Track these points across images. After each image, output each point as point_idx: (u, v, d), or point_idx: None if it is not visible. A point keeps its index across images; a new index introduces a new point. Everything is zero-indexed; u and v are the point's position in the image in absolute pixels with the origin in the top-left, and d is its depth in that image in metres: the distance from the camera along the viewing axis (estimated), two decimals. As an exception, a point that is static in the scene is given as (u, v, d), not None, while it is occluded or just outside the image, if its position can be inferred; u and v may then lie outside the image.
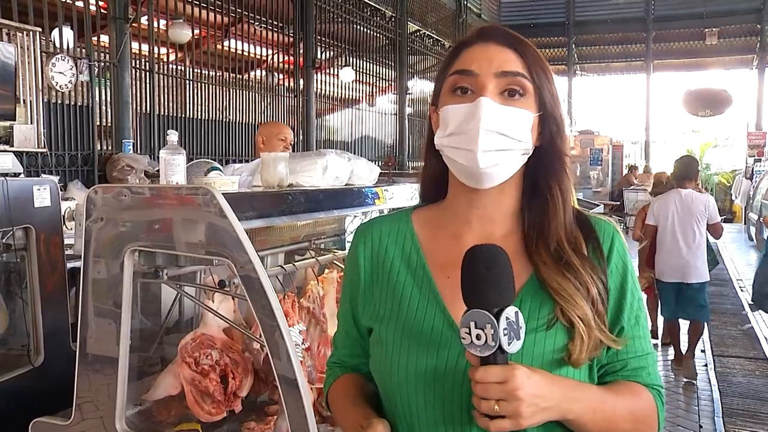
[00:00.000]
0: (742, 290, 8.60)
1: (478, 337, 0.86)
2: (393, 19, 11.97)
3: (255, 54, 9.03)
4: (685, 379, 5.08)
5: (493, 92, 0.98)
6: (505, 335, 0.86)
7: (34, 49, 5.17)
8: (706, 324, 5.36)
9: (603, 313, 0.99)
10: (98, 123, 6.32)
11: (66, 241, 2.86)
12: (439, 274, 1.04)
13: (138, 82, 6.85)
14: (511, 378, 0.85)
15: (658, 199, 5.35)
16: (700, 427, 4.23)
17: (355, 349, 1.15)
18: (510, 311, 0.87)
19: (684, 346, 5.33)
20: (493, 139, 0.96)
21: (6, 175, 2.59)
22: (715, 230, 5.17)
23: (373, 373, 1.08)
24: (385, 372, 1.02)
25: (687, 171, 5.19)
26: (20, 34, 5.11)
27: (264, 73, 9.47)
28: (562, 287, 0.97)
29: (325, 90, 10.36)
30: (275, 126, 4.03)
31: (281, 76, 9.71)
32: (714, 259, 5.84)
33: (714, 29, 16.18)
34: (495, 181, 1.00)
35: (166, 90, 7.32)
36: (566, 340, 0.97)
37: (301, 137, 9.50)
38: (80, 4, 6.16)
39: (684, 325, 5.40)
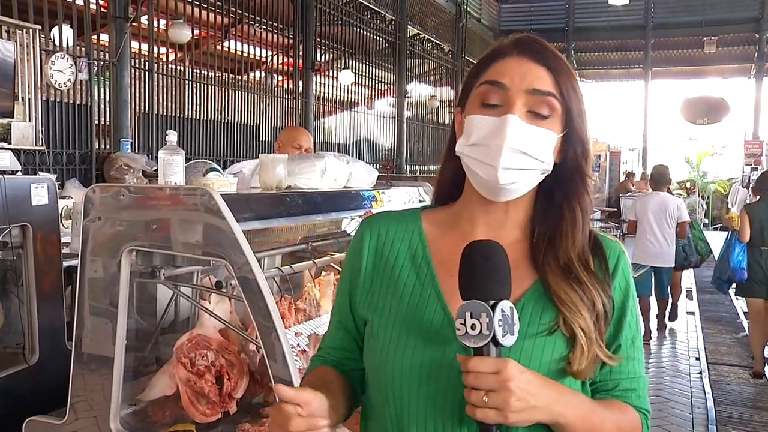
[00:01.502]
0: (737, 298, 8.61)
1: (473, 326, 0.87)
2: (393, 23, 11.99)
3: (254, 55, 9.03)
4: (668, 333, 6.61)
5: (521, 109, 0.98)
6: (500, 326, 0.87)
7: (33, 47, 5.16)
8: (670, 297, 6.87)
9: (603, 331, 1.00)
10: (97, 122, 6.31)
11: (63, 240, 2.86)
12: (442, 270, 1.05)
13: (137, 82, 6.84)
14: (504, 369, 0.86)
15: (638, 200, 6.66)
16: (694, 434, 4.24)
17: (344, 341, 1.12)
18: (505, 304, 0.88)
19: (654, 322, 6.78)
20: (516, 158, 0.97)
21: (4, 172, 2.59)
22: (682, 228, 6.29)
23: (367, 367, 1.07)
24: (379, 364, 1.02)
25: (662, 178, 6.43)
26: (20, 32, 5.10)
27: (263, 74, 9.47)
28: (569, 297, 0.98)
29: (324, 92, 10.36)
30: (292, 132, 3.89)
31: (280, 78, 9.71)
32: (708, 250, 7.03)
33: (713, 38, 16.23)
34: (511, 196, 1.02)
35: (165, 90, 7.31)
36: (565, 350, 0.97)
37: (299, 139, 9.49)
38: (80, 2, 6.15)
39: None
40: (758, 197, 5.59)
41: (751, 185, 13.65)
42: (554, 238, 1.03)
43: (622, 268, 1.05)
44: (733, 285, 5.79)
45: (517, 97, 0.98)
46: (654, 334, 6.68)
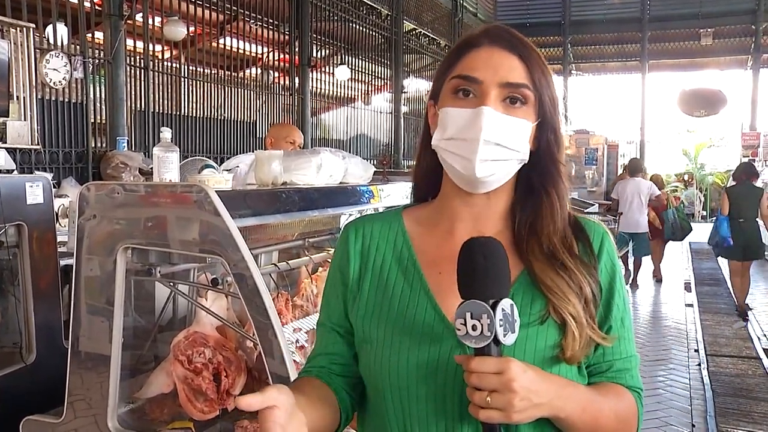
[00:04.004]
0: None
1: (473, 327, 0.85)
2: (389, 18, 11.96)
3: (250, 52, 9.01)
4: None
5: (495, 100, 0.98)
6: (501, 326, 0.86)
7: (27, 46, 5.14)
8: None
9: (594, 313, 1.00)
10: (92, 120, 6.30)
11: (60, 239, 2.85)
12: (430, 269, 1.04)
13: (133, 80, 6.82)
14: (507, 369, 0.85)
15: (619, 184, 8.82)
16: (693, 426, 4.24)
17: (337, 346, 1.09)
18: (506, 303, 0.87)
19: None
20: (492, 150, 0.97)
21: (-1, 171, 2.58)
22: (659, 199, 8.59)
23: (362, 372, 1.06)
24: (375, 368, 1.01)
25: (636, 167, 8.85)
26: (14, 30, 5.08)
27: (259, 71, 9.45)
28: (556, 284, 0.98)
29: (321, 88, 10.34)
30: (284, 128, 3.95)
31: (277, 74, 9.69)
32: (690, 228, 8.91)
33: (709, 30, 16.21)
34: (490, 188, 1.02)
35: (161, 87, 7.29)
36: (558, 337, 0.97)
37: (296, 135, 9.48)
38: (74, 0, 6.13)
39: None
40: (735, 182, 7.46)
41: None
42: (535, 225, 1.03)
43: (607, 250, 1.05)
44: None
45: (491, 89, 0.98)
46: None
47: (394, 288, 1.04)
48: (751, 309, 7.38)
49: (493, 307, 0.86)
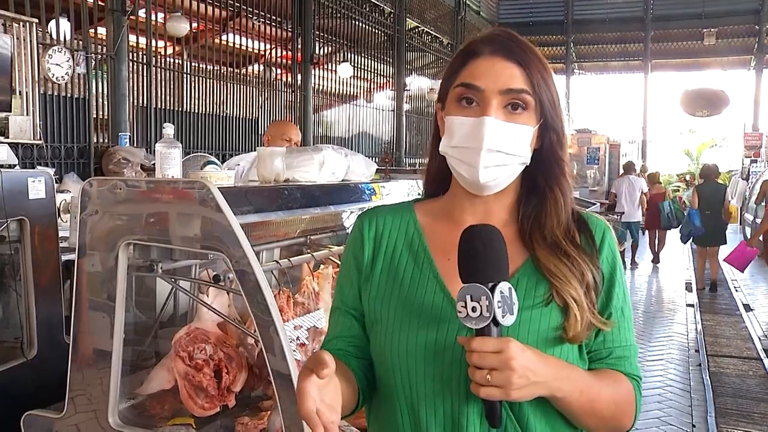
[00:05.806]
0: (736, 290, 8.63)
1: (473, 309, 0.91)
2: (392, 16, 11.95)
3: (253, 48, 9.00)
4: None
5: (497, 107, 1.03)
6: (499, 308, 0.91)
7: (30, 41, 5.15)
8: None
9: (595, 300, 1.04)
10: (95, 115, 6.31)
11: (62, 234, 2.85)
12: (439, 256, 1.09)
13: (135, 75, 6.83)
14: (506, 349, 0.90)
15: (615, 181, 11.01)
16: (693, 426, 4.24)
17: (353, 329, 1.12)
18: (504, 286, 0.92)
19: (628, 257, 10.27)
20: (495, 157, 1.03)
21: (1, 166, 2.58)
22: (647, 195, 10.40)
23: (373, 352, 1.10)
24: (385, 348, 1.05)
25: (630, 167, 10.78)
26: (17, 25, 5.09)
27: (262, 67, 9.45)
28: (559, 269, 1.03)
29: (323, 86, 10.35)
30: (282, 126, 3.92)
31: (279, 71, 9.69)
32: (683, 215, 9.93)
33: (712, 30, 16.20)
34: (495, 190, 1.07)
35: (163, 83, 7.30)
36: (561, 319, 1.01)
37: (298, 132, 9.49)
38: (78, -5, 6.13)
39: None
40: (703, 180, 8.89)
41: (749, 177, 13.75)
42: (539, 218, 1.09)
43: (609, 243, 1.10)
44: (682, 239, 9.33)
45: (493, 97, 1.03)
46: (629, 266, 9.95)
47: (404, 272, 1.09)
48: (753, 309, 7.38)
49: (492, 289, 0.91)
